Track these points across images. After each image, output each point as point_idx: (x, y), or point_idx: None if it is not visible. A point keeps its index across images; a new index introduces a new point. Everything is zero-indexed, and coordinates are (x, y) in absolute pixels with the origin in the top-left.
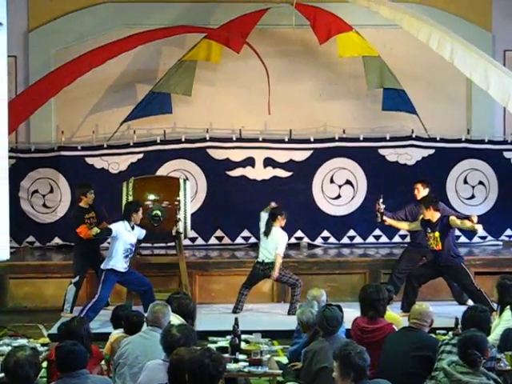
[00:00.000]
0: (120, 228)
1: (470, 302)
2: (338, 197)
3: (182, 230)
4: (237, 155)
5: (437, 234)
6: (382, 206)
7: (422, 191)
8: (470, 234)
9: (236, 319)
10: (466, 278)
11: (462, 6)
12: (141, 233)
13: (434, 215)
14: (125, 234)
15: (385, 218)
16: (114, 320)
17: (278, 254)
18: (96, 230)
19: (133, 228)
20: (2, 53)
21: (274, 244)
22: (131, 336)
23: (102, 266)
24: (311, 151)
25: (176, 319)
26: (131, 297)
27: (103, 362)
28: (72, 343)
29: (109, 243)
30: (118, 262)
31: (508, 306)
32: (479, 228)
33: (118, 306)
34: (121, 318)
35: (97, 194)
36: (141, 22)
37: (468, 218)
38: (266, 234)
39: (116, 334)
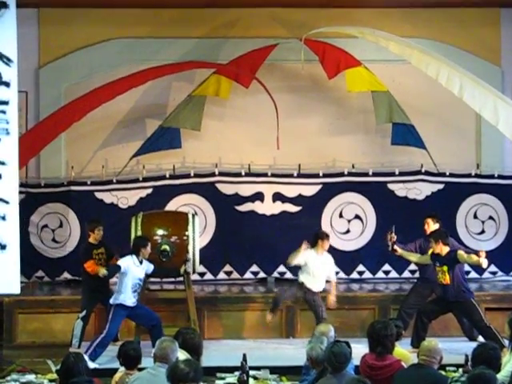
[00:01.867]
0: (129, 263)
1: (481, 339)
2: (347, 232)
3: (190, 269)
4: (246, 190)
5: (445, 268)
6: (394, 236)
7: (431, 226)
8: (480, 269)
9: (244, 355)
10: (475, 314)
11: (471, 41)
12: (149, 267)
13: (443, 249)
14: (133, 269)
15: (396, 247)
16: (121, 356)
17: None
18: (103, 271)
19: (141, 262)
20: (13, 87)
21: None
22: (138, 372)
23: (110, 301)
24: (320, 186)
25: (182, 354)
26: (139, 332)
27: None
28: (87, 380)
29: (117, 278)
30: (126, 296)
31: None
32: (484, 262)
33: (124, 342)
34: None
35: (106, 229)
36: (150, 57)
37: (476, 253)
38: None
39: (119, 372)
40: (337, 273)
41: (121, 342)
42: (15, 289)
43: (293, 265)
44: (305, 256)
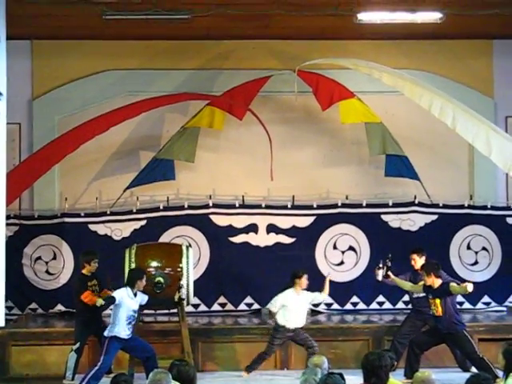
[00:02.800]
0: (123, 295)
1: (474, 369)
2: (341, 263)
3: (184, 296)
4: (240, 221)
5: (438, 300)
6: (389, 263)
7: (418, 261)
8: (474, 300)
9: None
10: (468, 346)
11: (464, 73)
12: (143, 299)
13: (435, 281)
14: (127, 301)
15: (389, 273)
16: None
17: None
18: (100, 301)
19: (135, 295)
20: (1, 120)
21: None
22: None
23: (105, 334)
24: (314, 217)
25: None
26: (133, 364)
27: None
28: None
29: (111, 310)
30: (121, 329)
31: None
32: (469, 287)
33: (117, 375)
34: None
35: (100, 261)
36: (144, 89)
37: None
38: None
39: None
40: (331, 304)
41: (114, 375)
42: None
43: (276, 311)
44: (283, 298)
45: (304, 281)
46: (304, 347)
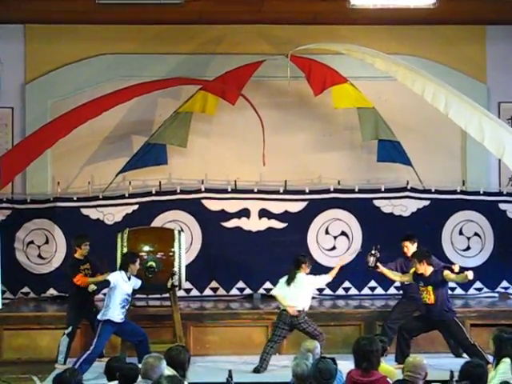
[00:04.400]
0: (117, 278)
1: (467, 355)
2: (333, 248)
3: (177, 283)
4: (232, 206)
5: (430, 288)
6: (378, 253)
7: (410, 248)
8: (466, 285)
9: (230, 372)
10: (459, 333)
11: (457, 59)
12: (136, 283)
13: (427, 269)
14: (122, 285)
15: (378, 264)
16: (108, 372)
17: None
18: (93, 287)
19: (129, 278)
20: None
21: (300, 291)
22: None
23: (98, 317)
24: (306, 202)
25: (167, 370)
26: (125, 348)
27: None
28: None
29: (104, 294)
30: (114, 312)
31: (504, 359)
32: (470, 275)
33: (111, 358)
34: (115, 370)
35: (92, 245)
36: (137, 73)
37: (449, 268)
38: (289, 282)
39: None
40: (323, 289)
41: (106, 358)
42: None
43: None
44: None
45: (308, 267)
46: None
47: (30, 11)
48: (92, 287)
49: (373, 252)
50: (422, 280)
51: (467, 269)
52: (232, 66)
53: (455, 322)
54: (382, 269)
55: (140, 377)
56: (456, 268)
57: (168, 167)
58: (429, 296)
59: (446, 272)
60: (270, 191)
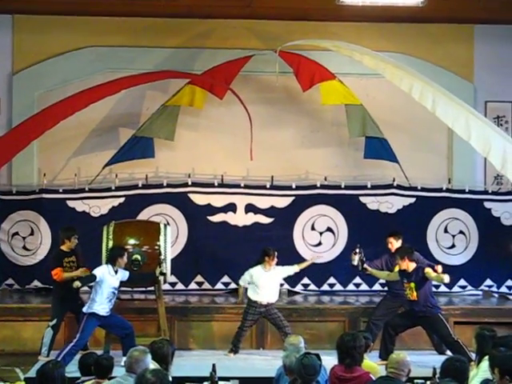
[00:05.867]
0: (104, 272)
1: (450, 352)
2: (319, 244)
3: (165, 270)
4: (218, 201)
5: (412, 284)
6: (363, 256)
7: (395, 244)
8: (450, 283)
9: (214, 366)
10: (442, 329)
11: (444, 57)
12: (124, 275)
13: (409, 265)
14: (108, 278)
15: (366, 266)
16: (82, 367)
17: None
18: (77, 283)
19: (116, 272)
20: None
21: (275, 282)
22: (108, 381)
23: (84, 310)
24: (293, 198)
25: (151, 364)
26: (109, 341)
27: None
28: None
29: (90, 287)
30: (100, 306)
31: (486, 357)
32: (446, 278)
33: (84, 355)
34: (89, 365)
35: (78, 238)
36: (125, 66)
37: (432, 267)
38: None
39: (89, 381)
40: (307, 285)
41: (90, 351)
42: None
43: (246, 286)
44: (250, 274)
45: (273, 260)
46: (276, 327)
47: (18, 2)
48: (77, 284)
49: (356, 250)
50: (405, 276)
51: (451, 267)
52: (221, 61)
53: (439, 318)
54: (370, 270)
55: (125, 370)
56: (439, 269)
57: (155, 160)
58: (411, 292)
59: (427, 269)
60: (256, 186)
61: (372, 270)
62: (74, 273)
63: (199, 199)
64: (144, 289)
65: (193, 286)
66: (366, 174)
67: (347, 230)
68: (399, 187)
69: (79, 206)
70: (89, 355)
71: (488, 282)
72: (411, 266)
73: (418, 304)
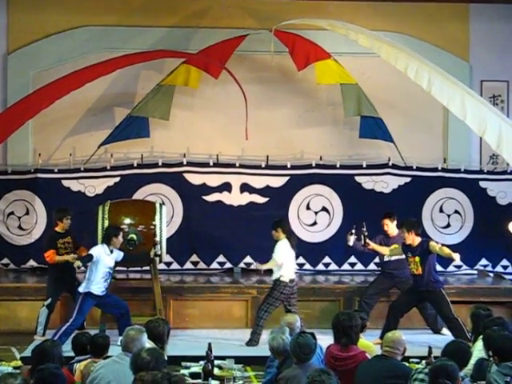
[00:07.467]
0: (100, 251)
1: (445, 331)
2: (314, 223)
3: (159, 252)
4: (213, 180)
5: (417, 258)
6: (366, 231)
7: (390, 225)
8: (445, 262)
9: (209, 345)
10: (444, 305)
11: (440, 36)
12: (118, 255)
13: (415, 240)
14: (104, 258)
15: (368, 241)
16: (75, 347)
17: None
18: (78, 263)
19: (111, 252)
20: None
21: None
22: (104, 360)
23: (79, 290)
24: (288, 177)
25: (148, 344)
26: (105, 320)
27: None
28: (54, 366)
29: (85, 267)
30: (96, 285)
31: (481, 336)
32: (457, 257)
33: (77, 334)
34: (83, 344)
35: (73, 217)
36: (120, 46)
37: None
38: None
39: (84, 361)
40: (303, 264)
41: (87, 331)
42: None
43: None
44: (285, 249)
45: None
46: (288, 305)
47: None
48: (77, 263)
49: (352, 231)
50: (410, 250)
51: (447, 246)
52: (216, 40)
53: (441, 294)
54: (372, 245)
55: (121, 349)
56: (457, 258)
57: (150, 140)
58: (416, 267)
59: (432, 243)
60: (251, 166)
61: (374, 246)
62: (66, 257)
63: (194, 179)
64: (139, 268)
65: (188, 265)
66: (361, 154)
67: (342, 209)
68: (394, 167)
69: (74, 185)
70: (82, 334)
71: (483, 261)
72: (416, 240)
73: (422, 279)
